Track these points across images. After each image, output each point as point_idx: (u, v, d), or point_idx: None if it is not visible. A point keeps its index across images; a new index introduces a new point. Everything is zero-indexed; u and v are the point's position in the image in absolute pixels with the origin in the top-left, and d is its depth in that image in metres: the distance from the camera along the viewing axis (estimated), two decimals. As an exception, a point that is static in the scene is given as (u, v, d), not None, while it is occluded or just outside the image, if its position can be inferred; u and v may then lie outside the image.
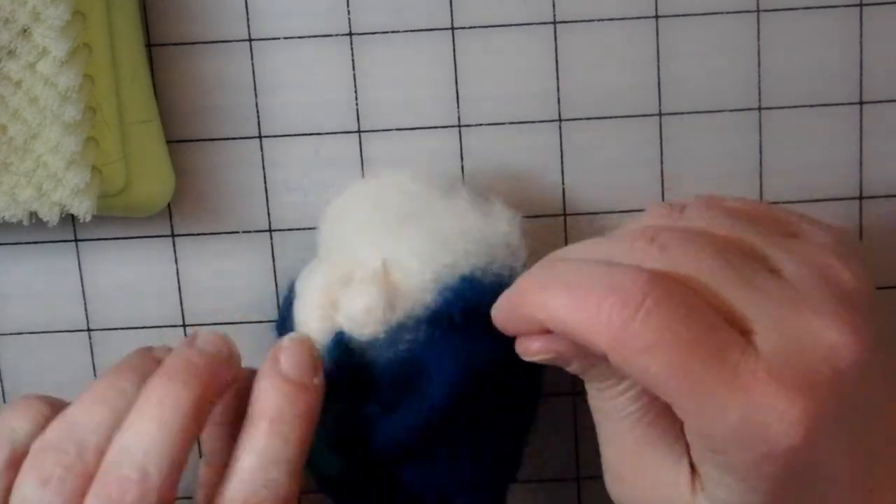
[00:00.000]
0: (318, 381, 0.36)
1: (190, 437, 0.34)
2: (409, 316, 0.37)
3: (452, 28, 0.42)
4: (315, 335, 0.38)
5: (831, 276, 0.32)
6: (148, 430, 0.33)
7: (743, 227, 0.33)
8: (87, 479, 0.33)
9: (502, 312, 0.35)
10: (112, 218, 0.42)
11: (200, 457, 0.39)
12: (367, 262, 0.38)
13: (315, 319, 0.38)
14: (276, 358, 0.36)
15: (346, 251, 0.39)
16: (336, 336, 0.37)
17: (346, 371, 0.37)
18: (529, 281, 0.34)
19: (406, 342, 0.37)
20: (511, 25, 0.42)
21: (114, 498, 0.32)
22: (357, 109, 0.43)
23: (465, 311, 0.37)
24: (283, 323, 0.40)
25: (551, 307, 0.32)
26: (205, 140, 0.43)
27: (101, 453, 0.33)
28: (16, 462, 0.34)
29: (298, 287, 0.39)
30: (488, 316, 0.36)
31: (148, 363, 0.36)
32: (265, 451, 0.34)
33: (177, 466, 0.33)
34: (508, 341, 0.35)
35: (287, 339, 0.37)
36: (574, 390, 0.44)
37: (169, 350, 0.37)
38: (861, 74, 0.42)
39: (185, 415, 0.33)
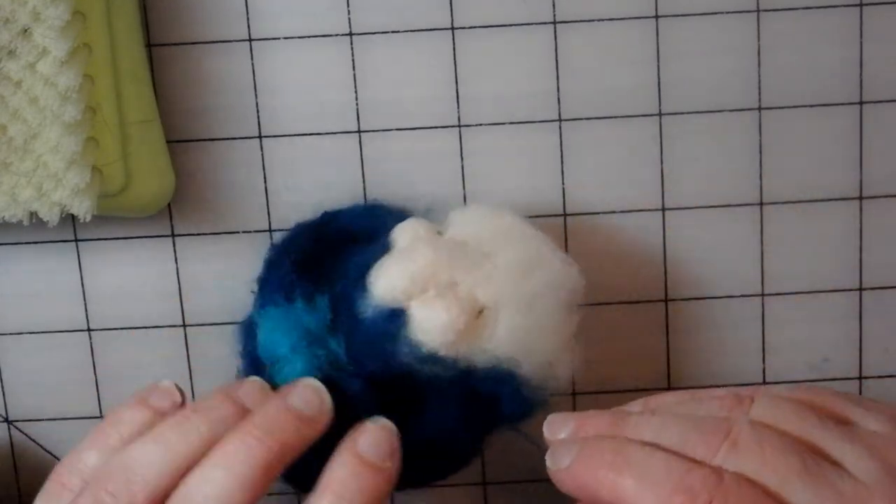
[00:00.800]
0: (391, 465, 0.36)
1: (257, 491, 0.34)
2: (460, 357, 0.38)
3: (452, 28, 0.42)
4: (378, 295, 0.38)
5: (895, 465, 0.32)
6: (214, 476, 0.34)
7: (809, 423, 0.34)
8: None
9: (566, 476, 0.35)
10: (112, 218, 0.42)
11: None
12: (477, 289, 0.38)
13: (391, 288, 0.38)
14: (355, 437, 0.36)
15: (463, 262, 0.38)
16: (393, 311, 0.38)
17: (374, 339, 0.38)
18: (601, 458, 0.34)
19: (433, 369, 0.38)
20: (511, 25, 0.42)
21: None
22: (357, 109, 0.43)
23: (486, 394, 0.38)
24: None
25: (620, 491, 0.33)
26: (205, 140, 0.43)
27: (151, 495, 0.34)
28: None
29: (399, 239, 0.39)
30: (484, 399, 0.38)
31: (226, 408, 0.36)
32: None
33: None
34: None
35: (371, 422, 0.37)
36: (574, 390, 0.44)
37: (251, 390, 0.37)
38: (861, 74, 0.42)
39: (255, 468, 0.34)
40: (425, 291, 0.37)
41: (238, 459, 0.34)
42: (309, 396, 0.36)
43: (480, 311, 0.38)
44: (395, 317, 0.37)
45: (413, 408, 0.38)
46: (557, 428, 0.36)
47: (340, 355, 0.38)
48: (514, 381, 0.38)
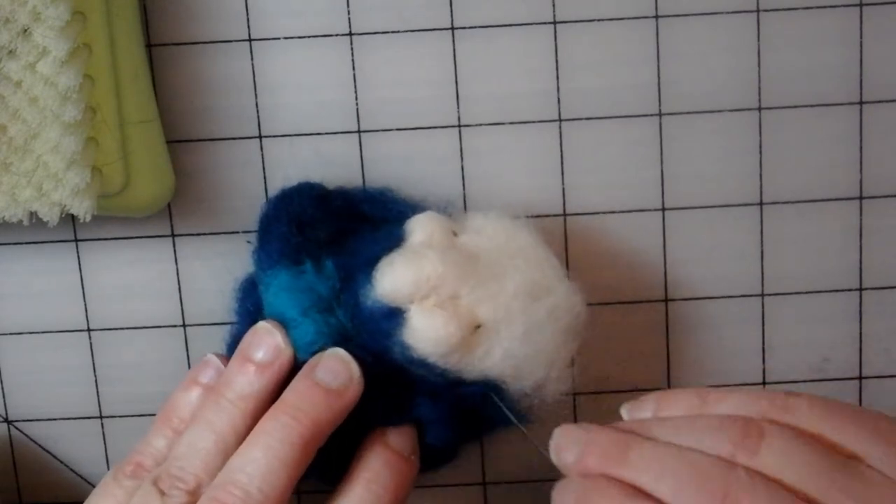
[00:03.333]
0: (415, 458, 0.39)
1: (297, 466, 0.36)
2: (449, 368, 0.38)
3: (452, 28, 0.42)
4: (380, 292, 0.38)
5: None
6: (254, 455, 0.35)
7: (817, 478, 0.32)
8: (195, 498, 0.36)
9: (575, 465, 0.35)
10: (112, 218, 0.42)
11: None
12: (478, 306, 0.38)
13: (394, 288, 0.38)
14: (384, 432, 0.39)
15: (471, 278, 0.38)
16: (392, 310, 0.38)
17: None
18: (610, 452, 0.34)
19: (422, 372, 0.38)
20: (511, 25, 0.42)
21: None
22: (357, 109, 0.43)
23: (471, 403, 0.39)
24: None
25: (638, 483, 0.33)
26: (205, 140, 0.43)
27: (208, 478, 0.36)
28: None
29: (414, 231, 0.39)
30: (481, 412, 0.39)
31: (252, 375, 0.38)
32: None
33: (280, 493, 0.35)
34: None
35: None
36: (574, 390, 0.44)
37: (269, 347, 0.38)
38: (861, 74, 0.42)
39: (292, 445, 0.36)
40: (427, 298, 0.37)
41: (276, 439, 0.36)
42: (336, 368, 0.38)
43: (477, 327, 0.38)
44: (393, 316, 0.38)
45: (403, 399, 0.39)
46: (565, 449, 0.35)
47: (348, 326, 0.39)
48: (499, 398, 0.39)
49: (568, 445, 0.35)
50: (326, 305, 0.38)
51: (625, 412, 0.36)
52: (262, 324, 0.39)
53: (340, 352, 0.38)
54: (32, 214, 0.38)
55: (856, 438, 0.33)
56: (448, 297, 0.37)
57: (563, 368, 0.39)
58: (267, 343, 0.38)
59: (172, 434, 0.40)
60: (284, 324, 0.38)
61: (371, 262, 0.38)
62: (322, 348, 0.38)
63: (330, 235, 0.40)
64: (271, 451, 0.35)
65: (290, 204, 0.40)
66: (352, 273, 0.39)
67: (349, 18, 0.42)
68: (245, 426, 0.37)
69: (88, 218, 0.38)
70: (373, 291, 0.38)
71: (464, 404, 0.39)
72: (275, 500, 0.35)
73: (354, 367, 0.38)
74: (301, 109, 0.43)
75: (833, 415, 0.33)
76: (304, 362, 0.38)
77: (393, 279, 0.37)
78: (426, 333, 0.37)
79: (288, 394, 0.37)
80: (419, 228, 0.39)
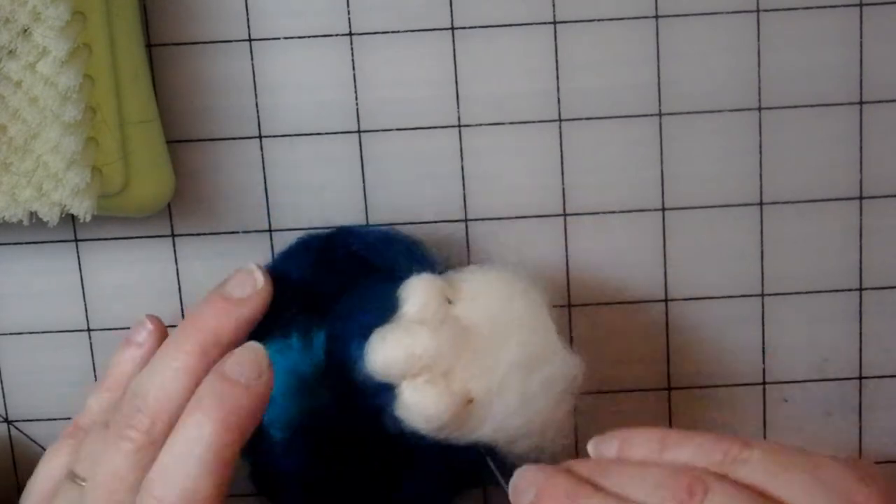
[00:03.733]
0: (258, 382, 0.37)
1: (223, 473, 0.35)
2: (441, 437, 0.38)
3: (452, 28, 0.42)
4: (371, 368, 0.38)
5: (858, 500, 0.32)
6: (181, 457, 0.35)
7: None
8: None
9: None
10: (112, 218, 0.42)
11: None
12: (471, 381, 0.38)
13: (386, 365, 0.37)
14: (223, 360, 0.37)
15: (464, 354, 0.38)
16: (383, 385, 0.38)
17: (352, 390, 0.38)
18: (561, 501, 0.34)
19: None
20: (511, 25, 0.42)
21: None
22: (357, 109, 0.43)
23: (462, 464, 0.40)
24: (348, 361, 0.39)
25: None
26: (205, 140, 0.43)
27: (169, 420, 0.35)
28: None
29: (408, 300, 0.39)
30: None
31: (210, 311, 0.38)
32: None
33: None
34: None
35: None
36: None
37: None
38: (861, 74, 0.42)
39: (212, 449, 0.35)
40: (418, 375, 0.37)
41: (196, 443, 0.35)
42: (244, 280, 0.38)
43: (470, 401, 0.38)
44: (385, 391, 0.38)
45: (391, 463, 0.39)
46: (521, 492, 0.36)
47: (330, 405, 0.39)
48: (493, 457, 0.39)
49: (525, 488, 0.36)
50: (308, 387, 0.39)
51: (591, 447, 0.37)
52: (248, 264, 0.39)
53: (251, 266, 0.39)
54: (32, 214, 0.38)
55: (806, 497, 0.33)
56: (440, 373, 0.37)
57: (560, 427, 0.39)
58: (245, 281, 0.38)
59: (108, 396, 0.40)
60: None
61: (364, 331, 0.38)
62: (299, 427, 0.38)
63: (328, 292, 0.40)
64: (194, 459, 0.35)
65: (287, 272, 0.40)
66: (343, 343, 0.38)
67: (349, 18, 0.42)
68: (204, 367, 0.36)
69: (88, 218, 0.38)
70: (364, 366, 0.38)
71: (457, 466, 0.40)
72: None
73: (259, 277, 0.38)
74: (301, 109, 0.43)
75: (787, 469, 0.33)
76: (280, 440, 0.38)
77: (384, 356, 0.37)
78: (417, 409, 0.37)
79: (195, 313, 0.38)
80: (413, 297, 0.38)
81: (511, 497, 0.36)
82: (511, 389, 0.38)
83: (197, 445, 0.34)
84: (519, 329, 0.38)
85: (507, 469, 0.39)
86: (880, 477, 0.34)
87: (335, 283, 0.40)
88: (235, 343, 0.37)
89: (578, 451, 0.45)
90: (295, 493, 0.41)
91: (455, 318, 0.38)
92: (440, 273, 0.39)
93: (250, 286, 0.38)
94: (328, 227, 0.42)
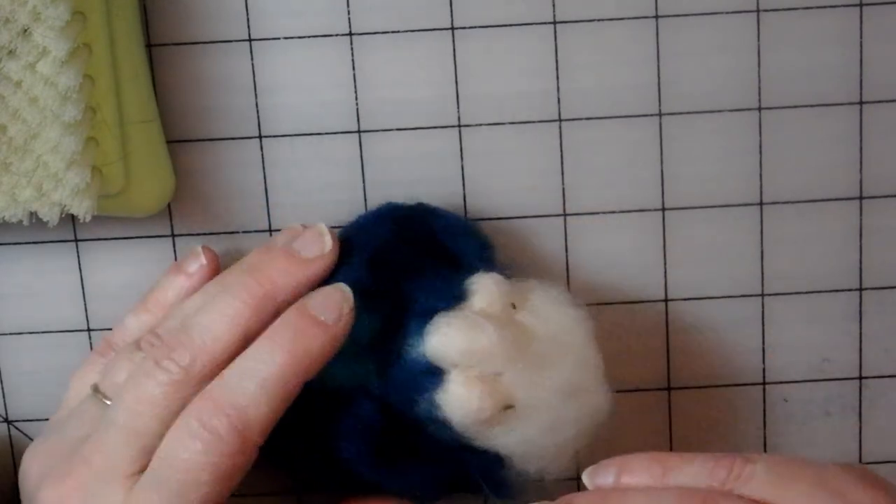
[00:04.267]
0: (337, 324, 0.37)
1: (278, 405, 0.36)
2: (465, 435, 0.38)
3: (452, 28, 0.42)
4: (428, 348, 0.38)
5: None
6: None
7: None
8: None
9: None
10: (112, 218, 0.42)
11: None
12: (516, 389, 0.38)
13: (442, 352, 0.37)
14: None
15: (519, 362, 0.38)
16: (433, 369, 0.38)
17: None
18: None
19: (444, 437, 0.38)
20: (511, 25, 0.42)
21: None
22: (357, 109, 0.43)
23: (472, 470, 0.40)
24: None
25: None
26: (205, 140, 0.43)
27: (212, 362, 0.36)
28: None
29: (476, 293, 0.39)
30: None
31: (281, 264, 0.38)
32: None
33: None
34: None
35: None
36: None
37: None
38: (861, 74, 0.42)
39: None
40: (471, 367, 0.37)
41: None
42: (313, 240, 0.38)
43: (508, 408, 0.38)
44: (433, 374, 0.38)
45: (398, 447, 0.39)
46: None
47: (372, 378, 0.38)
48: (500, 471, 0.39)
49: None
50: (358, 352, 0.38)
51: (587, 478, 0.36)
52: (318, 225, 0.39)
53: (321, 227, 0.39)
54: (32, 214, 0.38)
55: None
56: (492, 371, 0.37)
57: (568, 459, 0.40)
58: (314, 241, 0.38)
59: (147, 318, 0.40)
60: None
61: (426, 314, 0.38)
62: (338, 388, 0.38)
63: (399, 263, 0.40)
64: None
65: (369, 235, 0.40)
66: (403, 319, 0.38)
67: (349, 18, 0.42)
68: (255, 320, 0.37)
69: (88, 218, 0.38)
70: (421, 345, 0.38)
71: (462, 468, 0.40)
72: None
73: (328, 240, 0.38)
74: (301, 109, 0.43)
75: (792, 481, 0.33)
76: (311, 391, 0.38)
77: (446, 340, 0.37)
78: (460, 401, 0.37)
79: (253, 260, 0.38)
80: (482, 292, 0.38)
81: None
82: (549, 409, 0.38)
83: (263, 370, 0.35)
84: (574, 354, 0.39)
85: (505, 484, 0.39)
86: (886, 482, 0.34)
87: (407, 254, 0.40)
88: (291, 302, 0.37)
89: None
90: (295, 448, 0.40)
91: (518, 324, 0.38)
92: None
93: (318, 248, 0.38)
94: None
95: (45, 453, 0.38)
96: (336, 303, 0.37)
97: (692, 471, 0.35)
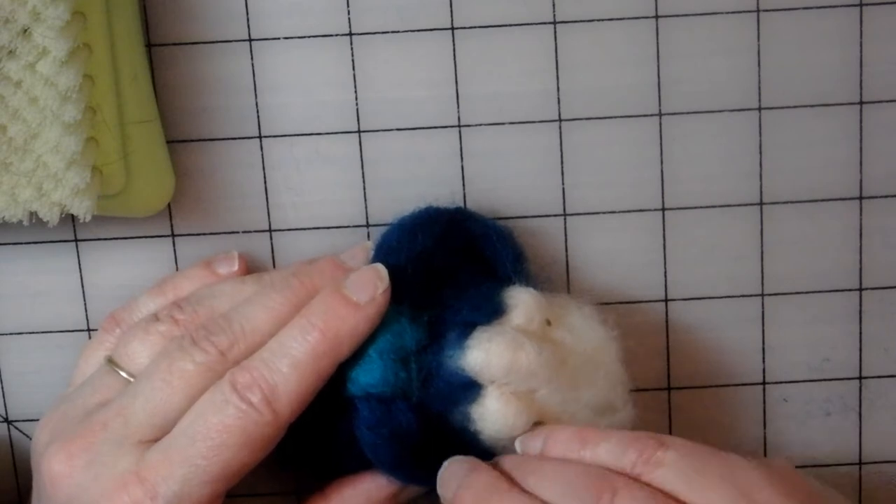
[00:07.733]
0: (370, 305, 0.38)
1: (310, 383, 0.37)
2: (489, 445, 0.39)
3: (452, 28, 0.42)
4: (467, 363, 0.38)
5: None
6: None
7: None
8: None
9: (451, 501, 0.37)
10: (112, 218, 0.42)
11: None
12: (549, 406, 0.38)
13: (483, 367, 0.38)
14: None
15: (554, 382, 0.38)
16: (471, 382, 0.38)
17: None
18: (480, 497, 0.35)
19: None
20: (511, 25, 0.42)
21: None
22: (357, 109, 0.43)
23: None
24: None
25: None
26: (205, 140, 0.43)
27: (248, 350, 0.37)
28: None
29: (515, 308, 0.39)
30: None
31: (325, 270, 0.40)
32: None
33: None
34: None
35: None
36: (574, 390, 0.44)
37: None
38: (861, 74, 0.42)
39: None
40: (509, 385, 0.38)
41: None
42: (366, 283, 0.38)
43: (538, 423, 0.38)
44: (470, 388, 0.38)
45: (437, 454, 0.39)
46: (445, 485, 0.37)
47: (415, 384, 0.38)
48: None
49: (448, 481, 0.37)
50: (404, 357, 0.38)
51: (518, 443, 0.38)
52: (378, 266, 0.39)
53: (380, 268, 0.39)
54: (32, 214, 0.38)
55: (717, 500, 0.33)
56: (528, 389, 0.38)
57: None
58: (368, 284, 0.38)
59: (162, 301, 0.41)
60: (357, 353, 0.38)
61: (466, 326, 0.38)
62: (380, 394, 0.38)
63: (442, 272, 0.40)
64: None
65: (412, 240, 0.40)
66: (443, 330, 0.39)
67: (349, 18, 0.42)
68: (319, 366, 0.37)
69: (88, 218, 0.38)
70: (461, 357, 0.38)
71: None
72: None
73: (383, 282, 0.38)
74: (301, 109, 0.43)
75: (701, 474, 0.34)
76: (352, 396, 0.38)
77: (487, 357, 0.37)
78: (496, 416, 0.38)
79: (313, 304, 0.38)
80: (521, 308, 0.39)
81: (438, 488, 0.37)
82: (579, 426, 0.38)
83: (296, 348, 0.36)
84: (605, 372, 0.39)
85: None
86: (800, 479, 0.34)
87: (447, 262, 0.40)
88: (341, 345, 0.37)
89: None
90: (323, 450, 0.40)
91: (554, 342, 0.39)
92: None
93: (371, 290, 0.38)
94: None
95: (56, 419, 0.38)
96: (371, 282, 0.38)
97: (607, 447, 0.36)
